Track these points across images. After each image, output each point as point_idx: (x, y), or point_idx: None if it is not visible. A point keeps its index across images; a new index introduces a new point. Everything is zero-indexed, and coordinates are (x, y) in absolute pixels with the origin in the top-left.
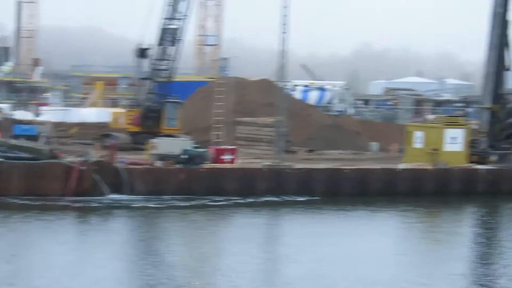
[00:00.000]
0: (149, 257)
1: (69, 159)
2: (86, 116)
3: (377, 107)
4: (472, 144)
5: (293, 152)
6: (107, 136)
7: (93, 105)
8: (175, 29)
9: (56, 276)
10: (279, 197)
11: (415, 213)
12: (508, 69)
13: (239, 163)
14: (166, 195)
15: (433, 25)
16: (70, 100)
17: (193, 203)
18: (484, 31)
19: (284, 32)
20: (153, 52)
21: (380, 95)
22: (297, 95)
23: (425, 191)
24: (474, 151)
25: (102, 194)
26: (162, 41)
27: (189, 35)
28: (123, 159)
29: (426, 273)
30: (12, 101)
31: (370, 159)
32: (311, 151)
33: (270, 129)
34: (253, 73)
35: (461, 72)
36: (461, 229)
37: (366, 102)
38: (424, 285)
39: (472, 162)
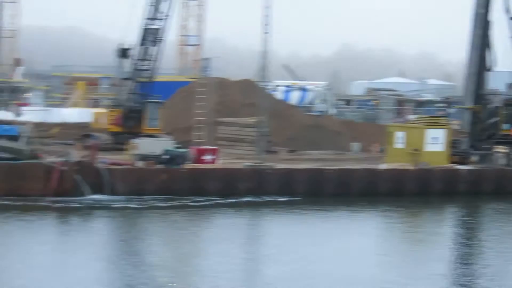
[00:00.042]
0: (129, 257)
1: (50, 159)
2: (68, 116)
3: (358, 108)
4: (453, 144)
5: (275, 152)
6: (88, 136)
7: (75, 105)
8: (157, 29)
9: (36, 276)
10: (260, 198)
11: (396, 213)
12: (489, 70)
13: (220, 163)
14: (147, 195)
15: (415, 25)
16: (51, 100)
17: (174, 203)
18: (466, 31)
19: (266, 32)
20: (135, 52)
21: (362, 95)
22: (279, 95)
23: (406, 192)
24: (455, 152)
25: (83, 194)
26: (144, 41)
27: (171, 35)
28: (104, 159)
29: (406, 273)
30: None
31: (352, 160)
32: (292, 151)
33: (252, 129)
34: (235, 73)
35: (442, 72)
36: (442, 229)
37: (348, 102)
38: (405, 285)
39: (453, 162)
